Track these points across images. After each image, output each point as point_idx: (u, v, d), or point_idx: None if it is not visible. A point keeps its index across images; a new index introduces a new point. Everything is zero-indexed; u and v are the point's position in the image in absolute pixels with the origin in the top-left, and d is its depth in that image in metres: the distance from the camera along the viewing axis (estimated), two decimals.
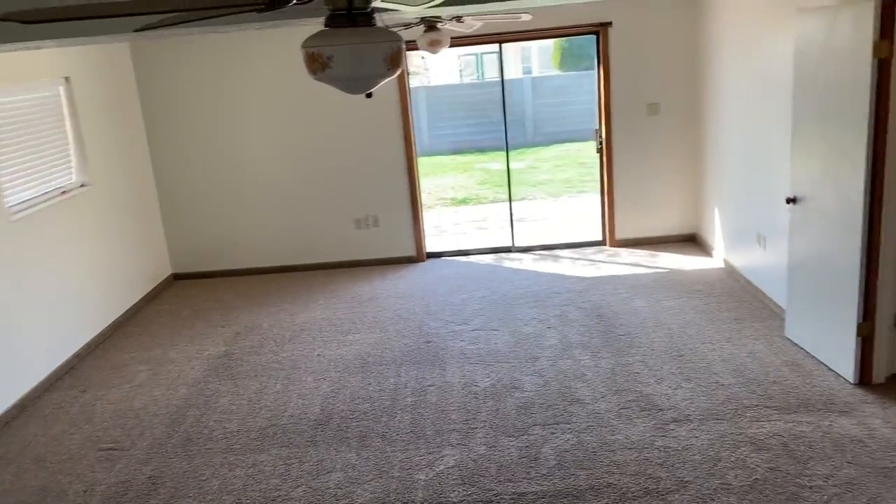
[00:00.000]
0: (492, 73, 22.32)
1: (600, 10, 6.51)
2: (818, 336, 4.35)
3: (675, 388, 4.22)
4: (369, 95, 1.68)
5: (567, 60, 19.80)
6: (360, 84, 1.60)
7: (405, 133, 6.89)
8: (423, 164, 15.71)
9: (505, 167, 7.68)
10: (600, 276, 6.30)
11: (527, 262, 6.90)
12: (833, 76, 3.94)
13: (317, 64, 1.57)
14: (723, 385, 4.21)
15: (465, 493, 3.45)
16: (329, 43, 1.54)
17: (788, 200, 4.48)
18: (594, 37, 6.70)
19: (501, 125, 7.56)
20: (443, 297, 6.13)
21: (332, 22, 1.59)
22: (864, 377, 4.06)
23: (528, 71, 21.46)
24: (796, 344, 4.61)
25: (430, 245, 7.67)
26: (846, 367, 4.11)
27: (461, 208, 10.81)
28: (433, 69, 20.50)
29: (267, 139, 6.93)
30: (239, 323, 5.91)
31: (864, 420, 3.71)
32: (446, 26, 4.87)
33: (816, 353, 4.39)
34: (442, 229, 9.23)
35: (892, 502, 3.08)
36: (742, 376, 4.29)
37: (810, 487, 3.23)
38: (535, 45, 22.63)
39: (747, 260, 5.71)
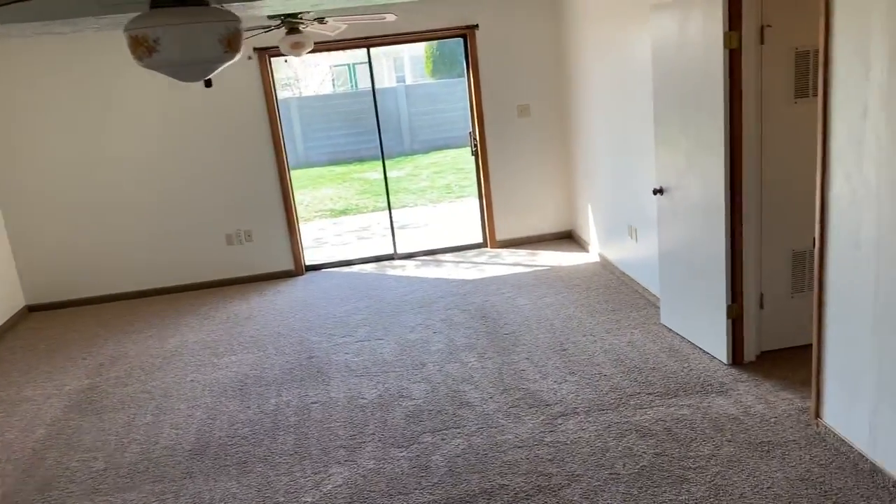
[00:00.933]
0: (365, 83, 22.20)
1: (466, 13, 6.53)
2: (691, 321, 4.49)
3: (561, 383, 4.23)
4: (209, 84, 1.51)
5: (439, 68, 19.97)
6: (194, 70, 1.43)
7: (275, 144, 6.63)
8: (300, 176, 15.46)
9: (380, 177, 7.53)
10: (483, 278, 6.29)
11: (410, 269, 6.80)
12: (688, 69, 4.08)
13: (142, 48, 1.38)
14: (606, 376, 4.26)
15: None
16: (155, 24, 1.36)
17: (655, 192, 4.61)
18: (462, 40, 6.71)
19: (377, 134, 7.44)
20: (324, 309, 5.92)
21: (158, 1, 1.41)
22: (737, 357, 4.22)
23: (401, 80, 21.49)
24: (672, 330, 4.74)
25: (310, 257, 7.43)
26: (719, 348, 4.26)
27: (341, 219, 10.60)
28: (304, 80, 20.13)
29: (126, 154, 6.47)
30: (103, 353, 5.46)
31: (739, 399, 3.84)
32: (309, 28, 4.70)
33: (691, 338, 4.54)
34: (323, 241, 8.99)
35: (769, 474, 3.18)
36: (623, 365, 4.35)
37: (695, 469, 3.28)
38: (407, 55, 22.73)
39: (621, 253, 5.86)
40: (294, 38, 4.58)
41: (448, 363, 4.66)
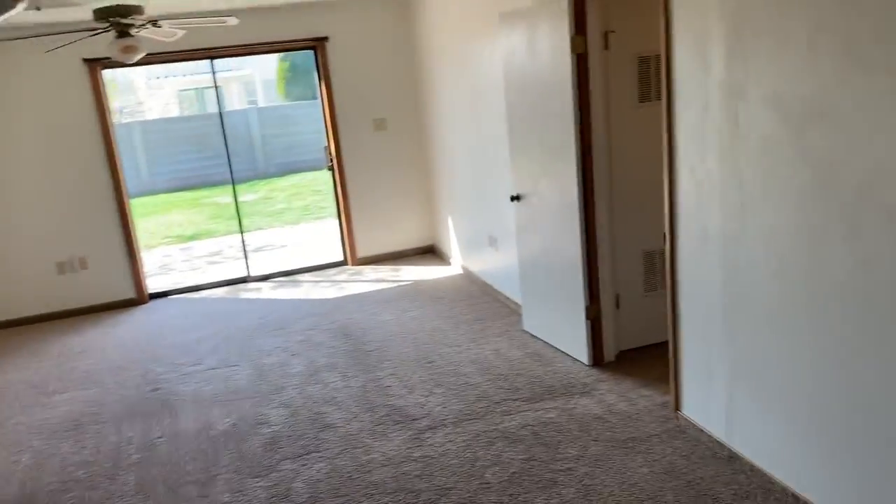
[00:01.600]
0: (214, 107, 21.34)
1: (317, 25, 6.35)
2: (553, 325, 4.51)
3: (428, 396, 4.09)
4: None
5: (293, 90, 19.56)
6: None
7: (111, 163, 6.10)
8: (146, 203, 14.51)
9: (238, 200, 7.14)
10: (344, 296, 6.07)
11: (266, 291, 6.46)
12: (538, 76, 4.12)
13: None
14: (472, 385, 4.17)
15: None
16: None
17: (513, 198, 4.61)
18: (313, 53, 6.52)
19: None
20: (170, 339, 5.47)
21: None
22: (597, 358, 4.27)
23: (253, 103, 20.87)
24: (535, 336, 4.75)
25: (154, 285, 6.91)
26: (580, 350, 4.29)
27: (191, 244, 10.00)
28: (148, 102, 19.07)
29: None
30: None
31: (602, 398, 3.87)
32: (141, 32, 4.34)
33: (554, 342, 4.55)
34: (170, 267, 8.40)
35: (635, 469, 3.19)
36: (490, 374, 4.29)
37: (564, 471, 3.24)
38: (258, 78, 22.10)
39: (483, 263, 5.85)
40: (125, 41, 4.21)
41: (309, 385, 4.40)
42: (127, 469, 3.64)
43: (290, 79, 19.39)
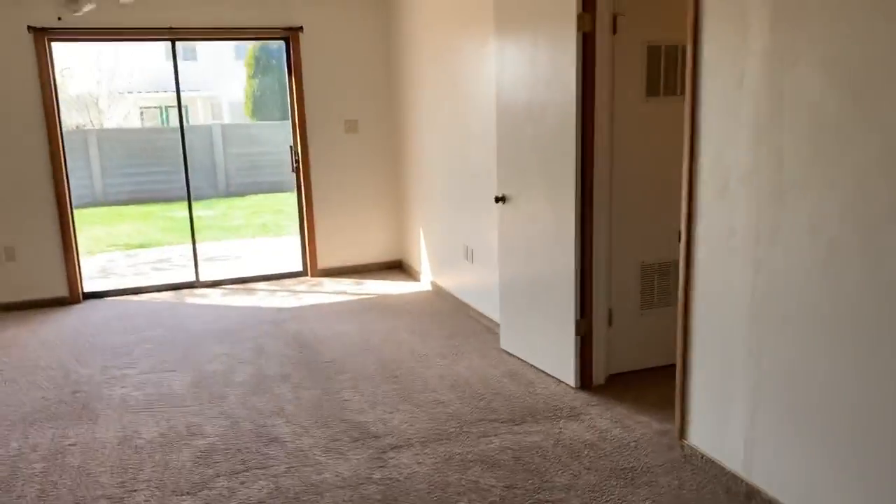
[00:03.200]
0: (176, 123, 20.68)
1: (291, 14, 5.91)
2: (536, 344, 4.04)
3: (392, 412, 3.56)
4: None
5: (260, 109, 19.05)
6: None
7: (51, 142, 5.51)
8: (95, 213, 13.73)
9: (194, 215, 6.55)
10: (302, 306, 5.52)
11: (215, 297, 5.87)
12: (537, 59, 3.72)
13: None
14: (443, 402, 3.65)
15: None
16: None
17: (497, 199, 4.17)
18: (284, 43, 6.07)
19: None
20: (102, 340, 4.84)
21: None
22: (585, 380, 3.79)
23: (219, 118, 20.31)
24: (513, 355, 4.26)
25: (92, 285, 6.26)
26: (566, 371, 3.81)
27: (137, 252, 9.32)
28: (108, 111, 18.38)
29: None
30: None
31: (592, 423, 3.38)
32: None
33: (535, 362, 4.07)
34: (110, 272, 7.73)
35: (640, 502, 2.70)
36: (462, 392, 3.78)
37: (553, 501, 2.73)
38: (224, 100, 21.57)
39: (456, 279, 5.37)
40: None
41: (254, 395, 3.83)
42: (28, 479, 3.02)
43: (258, 98, 18.90)
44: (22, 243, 5.54)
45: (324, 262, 6.41)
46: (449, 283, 5.51)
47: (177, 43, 5.80)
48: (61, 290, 5.69)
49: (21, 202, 5.48)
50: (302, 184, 6.23)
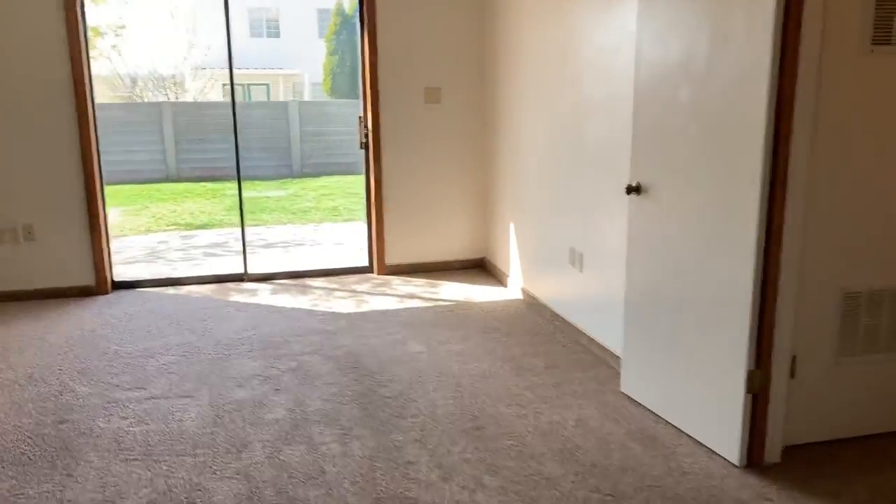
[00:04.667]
0: (262, 95, 20.23)
1: None
2: (677, 394, 2.87)
3: (473, 490, 2.48)
4: None
5: (339, 88, 18.27)
6: None
7: (79, 108, 4.64)
8: (163, 189, 13.20)
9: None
10: (363, 312, 4.50)
11: (262, 295, 4.92)
12: (706, 18, 2.54)
13: None
14: (547, 478, 2.55)
15: None
16: None
17: (630, 189, 3.01)
18: None
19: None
20: (116, 345, 3.95)
21: None
22: (754, 456, 2.62)
23: (299, 96, 19.70)
24: (641, 404, 3.11)
25: (124, 272, 5.44)
26: (727, 441, 2.64)
27: (196, 232, 8.54)
28: (189, 85, 17.95)
29: None
30: None
31: None
32: None
33: (675, 420, 2.91)
34: (158, 254, 6.92)
35: None
36: (574, 461, 2.66)
37: None
38: (307, 78, 20.95)
39: (557, 288, 4.23)
40: None
41: (287, 444, 2.82)
42: None
43: (337, 74, 18.12)
44: (42, 222, 4.71)
45: (393, 256, 5.38)
46: (546, 292, 4.39)
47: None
48: (87, 279, 4.85)
49: (43, 176, 4.65)
50: (371, 163, 5.21)
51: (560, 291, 4.18)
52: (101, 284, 4.87)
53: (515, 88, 4.68)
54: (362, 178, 5.37)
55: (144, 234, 8.40)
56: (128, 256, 6.80)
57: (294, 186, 13.53)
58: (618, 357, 3.47)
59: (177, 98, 17.49)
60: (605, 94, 3.49)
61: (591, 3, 3.59)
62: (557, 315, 4.19)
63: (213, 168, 14.58)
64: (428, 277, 5.30)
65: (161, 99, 17.27)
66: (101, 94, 16.72)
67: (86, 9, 4.63)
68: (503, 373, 3.49)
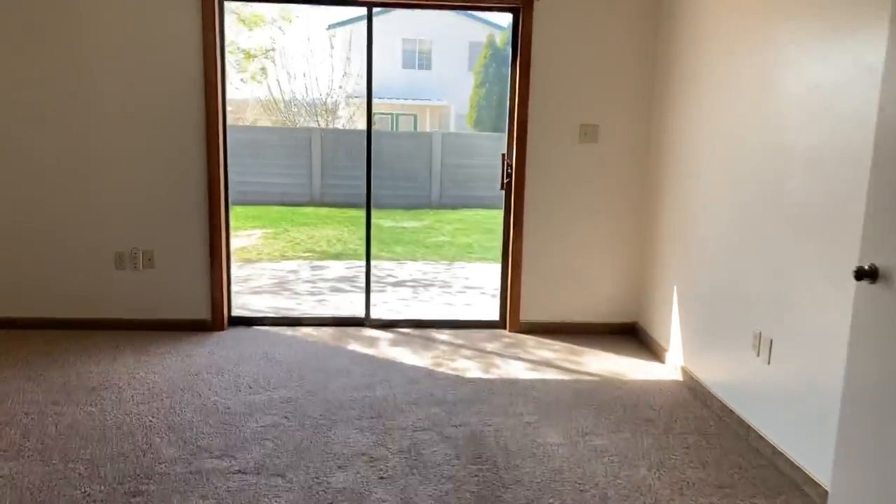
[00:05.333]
0: (409, 125, 20.39)
1: None
2: None
3: None
4: None
5: (483, 121, 17.96)
6: None
7: (210, 137, 4.39)
8: (307, 213, 13.33)
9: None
10: (490, 379, 3.89)
11: (382, 345, 4.43)
12: None
13: None
14: None
15: None
16: None
17: (860, 275, 2.21)
18: (512, 17, 4.52)
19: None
20: (218, 396, 3.56)
21: None
22: None
23: (445, 128, 19.62)
24: None
25: (244, 304, 5.15)
26: None
27: (328, 263, 8.31)
28: (340, 112, 18.28)
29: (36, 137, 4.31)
30: None
31: None
32: None
33: None
34: (286, 286, 6.67)
35: None
36: None
37: None
38: (453, 109, 20.90)
39: (730, 376, 3.43)
40: None
41: None
42: None
43: (482, 108, 17.82)
44: (163, 248, 4.49)
45: (529, 312, 4.75)
46: (715, 378, 3.59)
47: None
48: (202, 312, 4.57)
49: (166, 200, 4.43)
50: (512, 204, 4.63)
51: (735, 380, 3.37)
52: (217, 320, 4.57)
53: (691, 130, 3.95)
54: (500, 213, 4.80)
55: (278, 261, 8.27)
56: (256, 286, 6.60)
57: (430, 218, 13.25)
58: (815, 482, 2.64)
59: (327, 124, 17.83)
60: (818, 144, 2.71)
61: (806, 28, 2.84)
62: (729, 409, 3.38)
63: (356, 195, 14.64)
64: (568, 341, 4.62)
65: (312, 125, 17.69)
66: (258, 117, 17.37)
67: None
68: (661, 488, 2.75)
